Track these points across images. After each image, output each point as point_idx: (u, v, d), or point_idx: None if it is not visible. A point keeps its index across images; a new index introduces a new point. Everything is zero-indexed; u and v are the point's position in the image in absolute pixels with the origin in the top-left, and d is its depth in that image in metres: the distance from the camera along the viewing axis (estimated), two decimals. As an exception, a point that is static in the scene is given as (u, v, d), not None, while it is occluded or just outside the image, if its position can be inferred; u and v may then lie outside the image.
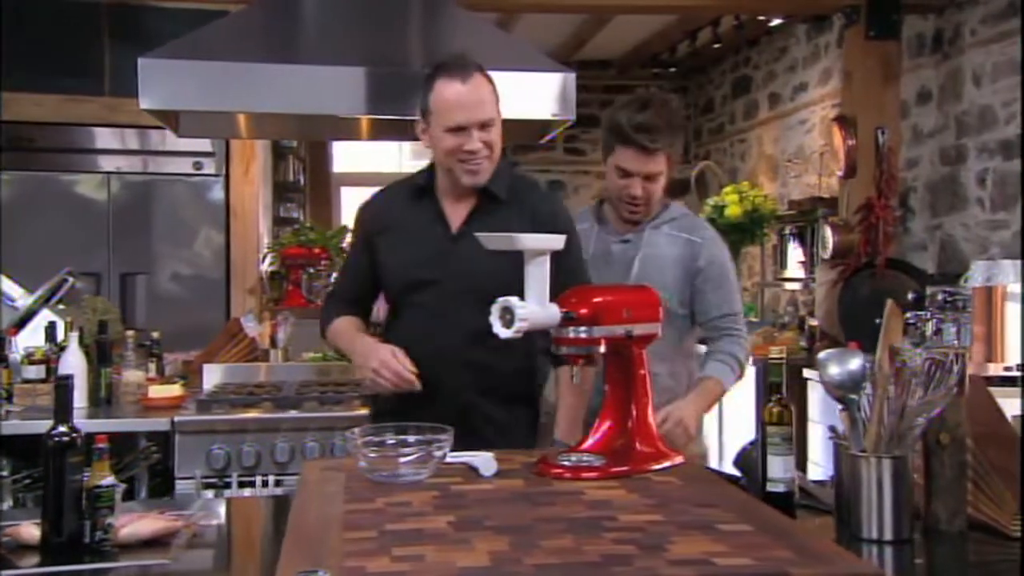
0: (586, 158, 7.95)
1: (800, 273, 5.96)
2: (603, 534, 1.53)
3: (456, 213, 2.43)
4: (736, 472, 2.07)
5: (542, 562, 1.40)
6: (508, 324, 1.88)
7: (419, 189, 2.47)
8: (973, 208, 4.77)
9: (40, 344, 3.61)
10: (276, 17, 3.59)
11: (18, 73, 5.44)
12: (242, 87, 3.24)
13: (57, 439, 1.72)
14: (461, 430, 1.98)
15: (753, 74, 7.16)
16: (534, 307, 1.92)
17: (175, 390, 3.47)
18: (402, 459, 1.90)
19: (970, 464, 1.81)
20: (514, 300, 1.90)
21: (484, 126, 2.31)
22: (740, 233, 5.88)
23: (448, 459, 1.99)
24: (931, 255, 5.07)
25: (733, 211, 5.78)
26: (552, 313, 1.94)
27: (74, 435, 1.73)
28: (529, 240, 1.95)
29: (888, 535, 1.73)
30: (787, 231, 5.98)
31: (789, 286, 6.26)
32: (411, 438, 1.97)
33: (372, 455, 1.91)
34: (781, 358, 1.92)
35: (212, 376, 3.75)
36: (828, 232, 5.02)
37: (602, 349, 1.99)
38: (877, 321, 4.43)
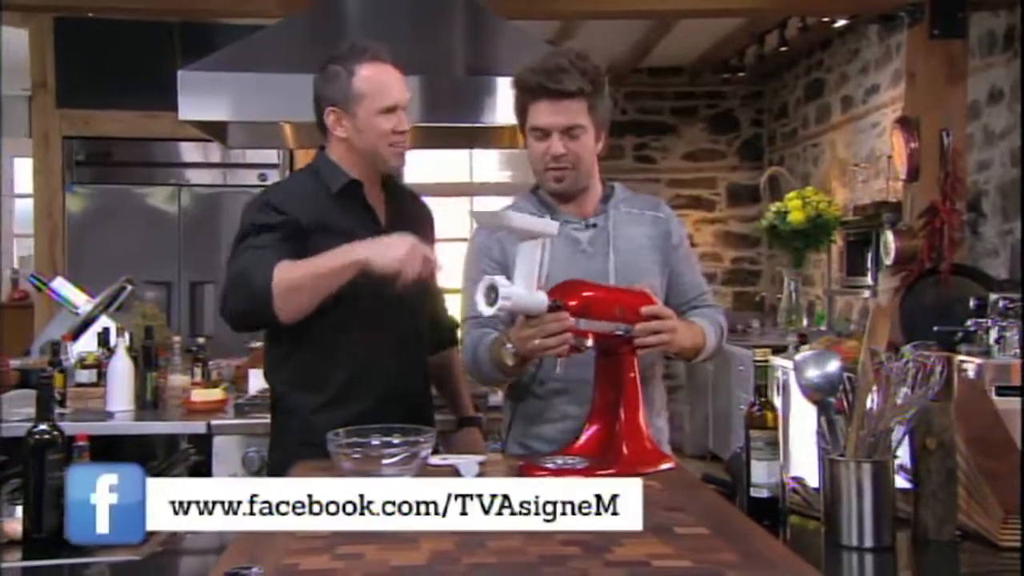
0: (656, 166, 7.88)
1: (870, 280, 5.80)
2: (555, 535, 1.51)
3: (379, 206, 2.41)
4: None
5: (479, 561, 1.39)
6: (491, 302, 1.84)
7: (341, 188, 2.36)
8: (1045, 212, 4.59)
9: (93, 349, 3.74)
10: (317, 27, 3.66)
11: (100, 92, 5.67)
12: (283, 97, 3.30)
13: (38, 436, 1.78)
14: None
15: (826, 77, 7.01)
16: (520, 289, 1.87)
17: (216, 394, 3.54)
18: (384, 460, 1.91)
19: (962, 470, 1.74)
20: (500, 278, 1.85)
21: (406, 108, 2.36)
22: (803, 239, 5.75)
23: (435, 461, 1.99)
24: (1003, 261, 4.88)
25: (796, 217, 5.65)
26: (539, 300, 1.89)
27: (55, 433, 1.79)
28: (519, 220, 1.89)
29: (869, 542, 1.67)
30: (851, 237, 5.82)
31: (863, 293, 6.09)
32: (396, 439, 1.97)
33: (356, 455, 1.92)
34: (765, 360, 1.87)
35: (257, 381, 3.81)
36: (891, 238, 4.88)
37: (589, 343, 1.96)
38: (936, 328, 4.30)
